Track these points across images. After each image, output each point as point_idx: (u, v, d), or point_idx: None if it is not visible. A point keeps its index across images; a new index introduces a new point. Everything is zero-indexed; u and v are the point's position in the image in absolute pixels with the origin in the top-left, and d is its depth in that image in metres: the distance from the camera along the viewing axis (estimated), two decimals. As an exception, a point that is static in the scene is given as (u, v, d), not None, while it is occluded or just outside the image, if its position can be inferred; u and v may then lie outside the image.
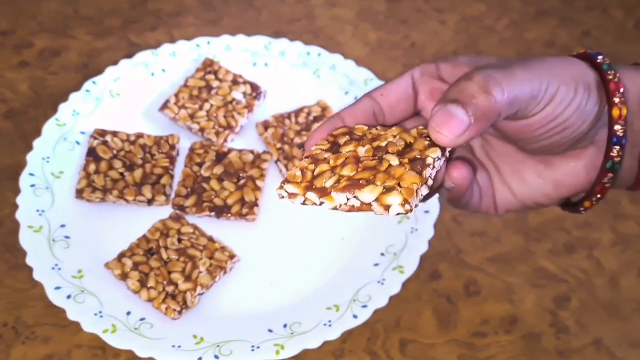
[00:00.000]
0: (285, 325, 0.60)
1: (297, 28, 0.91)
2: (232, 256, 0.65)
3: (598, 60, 0.41)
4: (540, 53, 0.90)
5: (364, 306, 0.61)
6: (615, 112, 0.41)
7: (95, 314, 0.59)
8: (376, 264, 0.65)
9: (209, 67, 0.80)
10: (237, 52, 0.83)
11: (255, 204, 0.69)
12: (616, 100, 0.41)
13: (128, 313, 0.60)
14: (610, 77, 0.41)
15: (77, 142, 0.73)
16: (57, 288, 0.60)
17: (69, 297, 0.60)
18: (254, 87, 0.79)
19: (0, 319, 0.62)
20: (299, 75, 0.82)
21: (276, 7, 0.94)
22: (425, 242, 0.65)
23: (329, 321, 0.60)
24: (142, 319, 0.60)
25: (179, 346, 0.58)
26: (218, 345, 0.58)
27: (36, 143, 0.71)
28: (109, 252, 0.64)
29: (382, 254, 0.66)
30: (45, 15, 0.91)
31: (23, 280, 0.65)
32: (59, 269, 0.62)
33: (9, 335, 0.61)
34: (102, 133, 0.73)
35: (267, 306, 0.63)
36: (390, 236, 0.67)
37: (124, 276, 0.62)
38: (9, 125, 0.78)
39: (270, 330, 0.60)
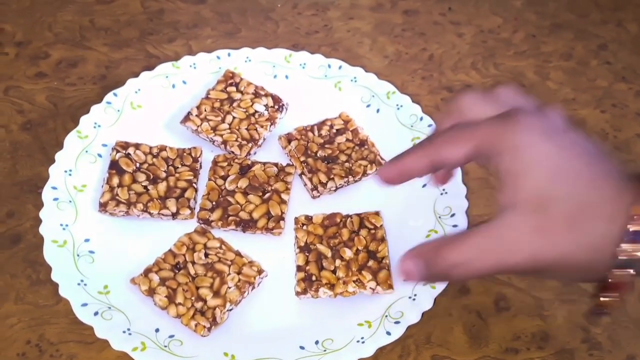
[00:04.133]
0: (317, 342, 0.59)
1: (314, 41, 0.91)
2: (260, 271, 0.64)
3: None
4: (558, 65, 0.90)
5: (397, 322, 0.60)
6: None
7: (124, 332, 0.58)
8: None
9: (230, 79, 0.79)
10: (258, 64, 0.82)
11: (281, 217, 0.68)
12: None
13: (157, 330, 0.59)
14: None
15: (99, 155, 0.72)
16: (84, 305, 0.59)
17: (96, 314, 0.59)
18: (276, 100, 0.78)
19: (24, 336, 0.61)
20: (320, 88, 0.81)
21: (293, 19, 0.94)
22: (455, 257, 0.64)
23: (362, 338, 0.59)
24: (171, 336, 0.59)
25: (211, 364, 0.57)
26: (250, 363, 0.57)
27: (58, 156, 0.70)
28: (134, 267, 0.63)
29: (412, 269, 0.65)
30: (61, 26, 0.90)
31: (46, 296, 0.64)
32: (85, 284, 0.61)
33: (32, 353, 0.60)
34: (124, 145, 0.72)
35: (296, 322, 0.62)
36: (419, 251, 0.66)
37: (151, 292, 0.61)
38: (27, 137, 0.77)
39: (302, 347, 0.59)
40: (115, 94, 0.76)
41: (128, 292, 0.62)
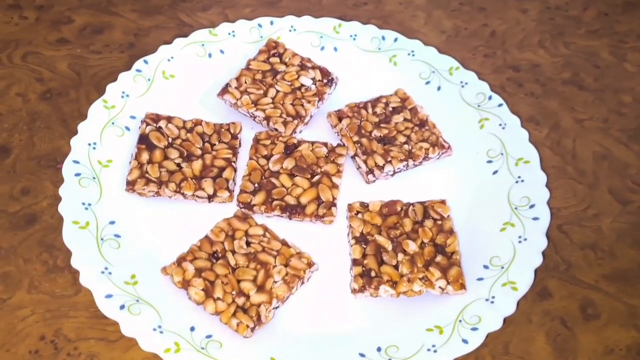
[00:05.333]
0: (379, 349, 0.50)
1: (363, 13, 0.82)
2: (310, 264, 0.55)
3: None
4: (636, 47, 0.80)
5: (474, 329, 0.51)
6: None
7: (155, 329, 0.49)
8: (480, 279, 0.55)
9: (273, 49, 0.70)
10: (303, 34, 0.73)
11: (332, 203, 0.60)
12: None
13: (192, 329, 0.51)
14: None
15: (127, 128, 0.63)
16: (109, 296, 0.51)
17: (122, 307, 0.50)
18: (325, 73, 0.69)
19: (37, 330, 0.53)
20: (372, 62, 0.72)
21: (340, -10, 0.85)
22: (537, 253, 0.55)
23: (433, 346, 0.50)
24: (209, 336, 0.50)
25: (256, 371, 0.48)
26: (301, 371, 0.48)
27: (81, 127, 0.61)
28: (166, 255, 0.55)
29: (486, 267, 0.56)
30: (86, -11, 0.82)
31: (64, 285, 0.55)
32: (110, 273, 0.52)
33: (47, 350, 0.52)
34: (155, 118, 0.63)
35: (353, 325, 0.53)
36: (493, 246, 0.57)
37: (185, 284, 0.53)
38: (46, 108, 0.68)
39: (362, 355, 0.50)
40: (145, 62, 0.68)
41: (159, 284, 0.53)
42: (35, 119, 0.67)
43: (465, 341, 0.50)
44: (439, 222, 0.58)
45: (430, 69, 0.71)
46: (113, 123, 0.63)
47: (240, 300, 0.52)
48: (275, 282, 0.53)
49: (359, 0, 0.84)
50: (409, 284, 0.53)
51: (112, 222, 0.56)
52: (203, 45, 0.70)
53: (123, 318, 0.49)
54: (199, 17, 0.80)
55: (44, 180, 0.62)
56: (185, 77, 0.69)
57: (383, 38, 0.73)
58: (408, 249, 0.56)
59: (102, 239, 0.55)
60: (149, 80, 0.67)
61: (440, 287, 0.53)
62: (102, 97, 0.64)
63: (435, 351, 0.49)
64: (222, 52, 0.71)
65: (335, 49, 0.73)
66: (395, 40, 0.73)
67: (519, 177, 0.61)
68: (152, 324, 0.50)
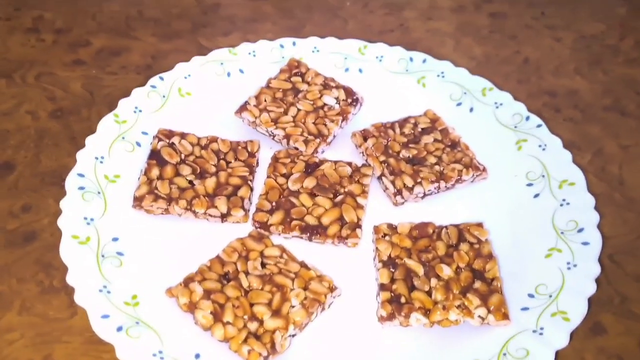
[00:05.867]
0: (411, 384, 0.44)
1: (389, 39, 0.79)
2: (332, 288, 0.49)
3: None
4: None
5: (522, 363, 0.44)
6: None
7: (154, 355, 0.43)
8: (525, 309, 0.48)
9: (295, 68, 0.67)
10: (327, 56, 0.70)
11: (357, 225, 0.54)
12: None
13: (197, 356, 0.44)
14: None
15: (138, 144, 0.59)
16: (105, 317, 0.45)
17: (119, 329, 0.44)
18: (350, 93, 0.65)
19: (25, 356, 0.47)
20: (400, 83, 0.68)
21: (364, 17, 0.82)
22: (590, 281, 0.49)
23: (474, 381, 0.43)
24: (215, 365, 0.44)
25: (268, 405, 0.41)
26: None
27: (89, 140, 0.57)
28: (172, 276, 0.49)
29: (531, 296, 0.49)
30: (106, 15, 0.80)
31: (59, 307, 0.50)
32: (108, 292, 0.47)
33: (34, 379, 0.46)
34: (168, 134, 0.59)
35: (380, 356, 0.46)
36: (538, 273, 0.51)
37: (192, 307, 0.47)
38: (55, 126, 0.65)
39: (391, 390, 0.43)
40: (161, 78, 0.65)
41: (162, 306, 0.48)
42: (43, 137, 0.64)
43: (511, 376, 0.43)
44: (476, 246, 0.52)
45: (461, 90, 0.67)
46: (123, 138, 0.59)
47: (253, 326, 0.46)
48: (293, 306, 0.47)
49: (385, 27, 0.81)
50: (444, 312, 0.47)
51: (115, 239, 0.51)
52: (222, 64, 0.67)
53: (119, 341, 0.43)
54: (219, 41, 0.77)
55: (46, 198, 0.58)
56: (202, 95, 0.65)
57: (411, 59, 0.69)
58: (442, 273, 0.50)
59: (102, 256, 0.49)
60: (163, 97, 0.63)
61: (480, 316, 0.47)
62: (114, 112, 0.60)
63: (476, 387, 0.43)
64: (241, 71, 0.68)
65: (361, 71, 0.69)
66: (424, 61, 0.69)
67: (564, 199, 0.56)
68: (151, 349, 0.44)
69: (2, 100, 0.67)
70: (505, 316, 0.47)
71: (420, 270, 0.50)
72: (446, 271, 0.50)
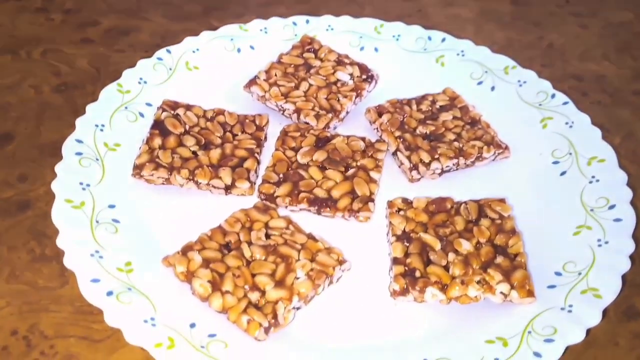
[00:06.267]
0: (426, 362, 0.40)
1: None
2: (341, 261, 0.45)
3: None
4: None
5: (549, 340, 0.40)
6: None
7: (146, 321, 0.40)
8: (552, 286, 0.44)
9: (308, 45, 0.64)
10: (341, 34, 0.67)
11: (370, 198, 0.51)
12: None
13: (192, 325, 0.41)
14: None
15: (141, 114, 0.57)
16: (95, 281, 0.42)
17: (109, 294, 0.41)
18: (364, 69, 0.62)
19: (10, 325, 0.44)
20: (417, 63, 0.65)
21: (381, 3, 0.80)
22: (624, 257, 0.45)
23: (496, 359, 0.39)
24: (212, 335, 0.40)
25: (267, 377, 0.38)
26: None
27: (90, 107, 0.55)
28: (170, 246, 0.46)
29: (558, 274, 0.45)
30: (116, -3, 0.78)
31: (49, 276, 0.47)
32: (101, 257, 0.44)
33: (17, 347, 0.43)
34: (173, 105, 0.57)
35: (393, 334, 0.43)
36: (566, 251, 0.47)
37: (189, 276, 0.44)
38: (58, 99, 0.63)
39: (403, 367, 0.39)
40: (168, 51, 0.62)
41: (158, 274, 0.44)
42: (45, 110, 0.62)
43: (537, 354, 0.39)
44: (498, 222, 0.48)
45: (482, 69, 0.63)
46: (126, 108, 0.56)
47: (254, 296, 0.42)
48: (298, 278, 0.44)
49: (402, 12, 0.78)
50: (462, 287, 0.43)
51: (111, 206, 0.48)
52: (232, 39, 0.65)
53: (109, 305, 0.40)
54: (231, 23, 0.75)
55: (44, 168, 0.55)
56: (211, 70, 0.63)
57: (429, 38, 0.66)
58: (461, 248, 0.46)
59: (97, 222, 0.46)
60: (170, 69, 0.61)
61: (502, 292, 0.43)
62: (117, 81, 0.58)
63: (498, 365, 0.38)
64: (252, 47, 0.65)
65: (376, 50, 0.66)
66: (443, 40, 0.66)
67: (593, 176, 0.52)
68: (143, 315, 0.40)
69: (6, 75, 0.65)
70: (530, 293, 0.43)
71: (437, 244, 0.46)
72: (465, 246, 0.46)
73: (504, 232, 0.47)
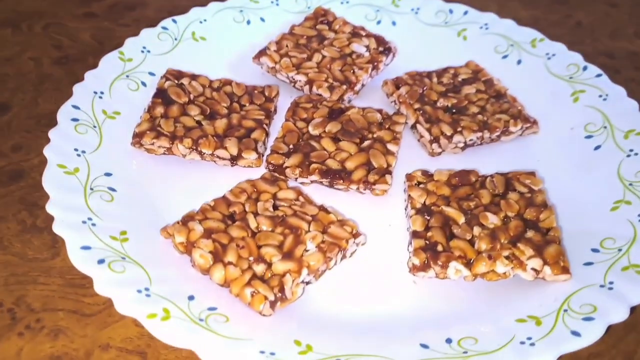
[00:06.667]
0: (449, 340, 0.35)
1: (425, 2, 0.72)
2: (355, 234, 0.41)
3: None
4: None
5: (588, 319, 0.35)
6: None
7: (139, 291, 0.36)
8: (589, 263, 0.40)
9: (321, 16, 0.61)
10: (357, 7, 0.64)
11: (387, 170, 0.47)
12: None
13: (190, 297, 0.37)
14: None
15: (144, 84, 0.53)
16: (85, 248, 0.38)
17: (101, 262, 0.37)
18: (381, 41, 0.58)
19: (-5, 297, 0.40)
20: (438, 36, 0.61)
21: (399, -19, 0.76)
22: (669, 233, 0.40)
23: (529, 338, 0.35)
24: (212, 309, 0.36)
25: (272, 353, 0.33)
26: (337, 361, 0.34)
27: (88, 74, 0.52)
28: (171, 218, 0.42)
29: (596, 250, 0.41)
30: (123, -27, 0.75)
31: (39, 247, 0.43)
32: (93, 224, 0.40)
33: (1, 320, 0.39)
34: (177, 75, 0.53)
35: (412, 313, 0.38)
36: (604, 227, 0.43)
37: (189, 247, 0.40)
38: (58, 71, 0.60)
39: (424, 346, 0.35)
40: (174, 20, 0.59)
41: (155, 245, 0.41)
42: (44, 81, 0.59)
43: (576, 333, 0.34)
44: (528, 195, 0.43)
45: (507, 42, 0.59)
46: (127, 76, 0.53)
47: (259, 268, 0.38)
48: (307, 250, 0.40)
49: (421, -9, 0.74)
50: (490, 262, 0.39)
51: (108, 174, 0.45)
52: (241, 11, 0.61)
53: (99, 273, 0.36)
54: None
55: (39, 139, 0.52)
56: (218, 41, 0.59)
57: (450, 11, 0.63)
58: (487, 222, 0.42)
59: (91, 189, 0.43)
60: (175, 39, 0.58)
61: (533, 268, 0.39)
62: (119, 49, 0.55)
63: (532, 344, 0.34)
64: (262, 19, 0.62)
65: (394, 23, 0.63)
66: (465, 13, 0.62)
67: (631, 150, 0.48)
68: (137, 284, 0.37)
69: (6, 47, 0.63)
70: (565, 270, 0.38)
71: (460, 218, 0.42)
72: (492, 219, 0.41)
73: (535, 205, 0.43)
